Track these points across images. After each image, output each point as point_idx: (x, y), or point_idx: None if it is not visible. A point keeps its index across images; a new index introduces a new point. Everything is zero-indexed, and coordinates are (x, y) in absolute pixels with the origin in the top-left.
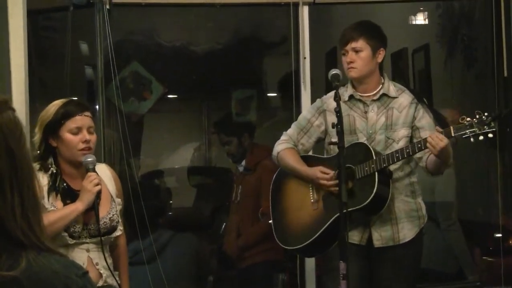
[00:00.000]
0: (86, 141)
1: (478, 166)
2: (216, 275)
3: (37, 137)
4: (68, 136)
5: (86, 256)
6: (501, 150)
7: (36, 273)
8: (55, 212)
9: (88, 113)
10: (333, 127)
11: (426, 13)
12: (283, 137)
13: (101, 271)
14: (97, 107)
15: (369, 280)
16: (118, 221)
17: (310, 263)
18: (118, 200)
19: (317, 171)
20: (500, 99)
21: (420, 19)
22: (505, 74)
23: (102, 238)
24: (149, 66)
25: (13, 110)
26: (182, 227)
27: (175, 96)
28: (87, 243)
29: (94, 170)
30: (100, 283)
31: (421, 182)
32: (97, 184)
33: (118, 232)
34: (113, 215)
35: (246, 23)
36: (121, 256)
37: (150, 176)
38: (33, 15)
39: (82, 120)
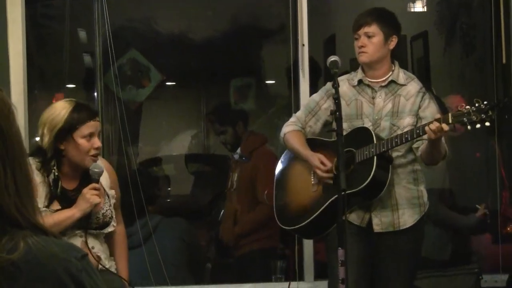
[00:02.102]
0: (98, 148)
1: (476, 153)
2: (214, 263)
3: (47, 141)
4: (81, 141)
5: (80, 240)
6: (500, 137)
7: (35, 257)
8: (50, 216)
9: (98, 119)
10: (331, 113)
11: (424, 0)
12: (291, 119)
13: (99, 254)
14: (95, 94)
15: (369, 265)
16: (112, 216)
17: (308, 250)
18: (112, 192)
19: (316, 160)
20: (499, 86)
21: (419, 6)
22: (504, 61)
23: (95, 231)
24: (148, 53)
25: (0, 90)
26: (180, 215)
27: (173, 83)
28: (81, 232)
29: (98, 182)
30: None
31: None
32: (98, 196)
33: (110, 228)
34: (106, 210)
35: (244, 10)
36: (118, 244)
37: (148, 163)
38: (31, 3)
39: (95, 125)
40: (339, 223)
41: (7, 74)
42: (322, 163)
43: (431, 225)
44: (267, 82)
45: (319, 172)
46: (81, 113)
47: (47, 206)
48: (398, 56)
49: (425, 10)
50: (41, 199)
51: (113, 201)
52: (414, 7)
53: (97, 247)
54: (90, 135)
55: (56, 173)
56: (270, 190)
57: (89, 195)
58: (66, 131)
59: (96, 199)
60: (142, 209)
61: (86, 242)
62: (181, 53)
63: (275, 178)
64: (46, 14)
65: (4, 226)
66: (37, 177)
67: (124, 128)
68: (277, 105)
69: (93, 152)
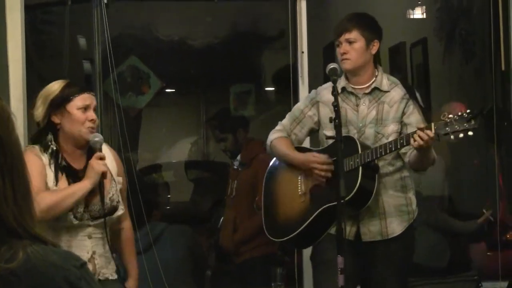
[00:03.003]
0: (93, 120)
1: (475, 160)
2: (214, 270)
3: (40, 111)
4: (76, 112)
5: (90, 245)
6: (499, 144)
7: (34, 266)
8: (63, 190)
9: (93, 94)
10: (330, 121)
11: (424, 7)
12: (277, 127)
13: (96, 261)
14: None
15: (359, 276)
16: (119, 200)
17: (307, 256)
18: (119, 179)
19: (310, 155)
20: (498, 93)
21: (418, 13)
22: (503, 68)
23: (106, 218)
24: (147, 60)
25: (0, 98)
26: (180, 221)
27: (173, 90)
28: (90, 226)
29: (101, 150)
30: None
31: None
32: (104, 165)
33: (119, 212)
34: (112, 194)
35: (244, 17)
36: (127, 242)
37: (148, 170)
38: (31, 10)
39: (90, 98)
40: (338, 231)
41: (6, 80)
42: (315, 156)
43: (429, 232)
44: (266, 88)
45: (315, 165)
46: (75, 86)
47: (59, 185)
48: (397, 63)
49: (425, 17)
50: (50, 180)
51: (119, 186)
52: (413, 14)
53: (98, 252)
54: (85, 108)
55: (55, 147)
56: (258, 200)
57: (95, 163)
58: (59, 101)
59: (102, 167)
60: (142, 216)
61: (107, 234)
62: (180, 60)
63: (263, 190)
64: (45, 21)
65: (2, 236)
66: (43, 158)
67: (123, 135)
68: (274, 111)
69: (88, 124)
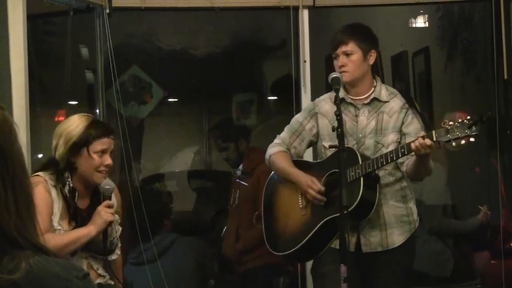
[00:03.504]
0: (108, 165)
1: (476, 168)
2: (217, 279)
3: (62, 152)
4: (93, 155)
5: (86, 262)
6: (501, 152)
7: (37, 277)
8: (68, 234)
9: (112, 137)
10: (333, 130)
11: (426, 16)
12: (276, 141)
13: (103, 274)
14: (97, 111)
15: (360, 287)
16: (117, 245)
17: (310, 265)
18: (116, 217)
19: (308, 179)
20: (500, 102)
21: (420, 22)
22: (505, 77)
23: (99, 257)
24: (149, 70)
25: (2, 108)
26: (183, 231)
27: (175, 99)
28: (86, 254)
29: (111, 198)
30: (101, 281)
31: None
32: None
33: (114, 256)
34: (114, 238)
35: (245, 26)
36: (116, 271)
37: (151, 180)
38: (33, 20)
39: (109, 143)
40: (341, 239)
41: (9, 90)
42: (314, 182)
43: (432, 240)
44: (269, 98)
45: (310, 191)
46: (97, 128)
47: (61, 223)
48: (400, 71)
49: (427, 25)
50: (55, 216)
51: (118, 227)
52: (416, 23)
53: (101, 270)
54: (103, 151)
55: (71, 184)
56: (259, 213)
57: (103, 212)
58: (81, 144)
59: (110, 217)
60: (145, 224)
61: (91, 265)
62: (182, 69)
63: (262, 203)
64: (48, 31)
65: (4, 247)
66: (53, 193)
67: (126, 144)
68: (276, 119)
69: (102, 168)
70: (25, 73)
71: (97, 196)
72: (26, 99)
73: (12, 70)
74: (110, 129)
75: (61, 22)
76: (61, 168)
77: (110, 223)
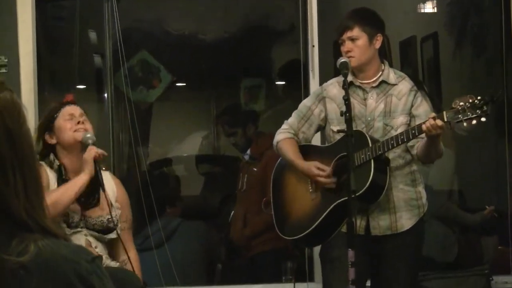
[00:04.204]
0: (80, 122)
1: (486, 155)
2: (225, 264)
3: (36, 137)
4: (63, 123)
5: (84, 239)
6: (510, 138)
7: (45, 260)
8: (61, 186)
9: (77, 105)
10: (341, 114)
11: (435, 1)
12: (284, 126)
13: (100, 253)
14: (105, 95)
15: (369, 270)
16: (116, 224)
17: (318, 250)
18: (117, 205)
19: (312, 167)
20: (509, 87)
21: (429, 7)
22: None
23: (97, 234)
24: (158, 54)
25: (11, 91)
26: (190, 215)
27: (184, 84)
28: (85, 230)
29: (94, 145)
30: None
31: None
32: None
33: (113, 235)
34: (113, 217)
35: (254, 11)
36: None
37: (159, 164)
38: (41, 4)
39: (73, 108)
40: (349, 224)
41: (17, 75)
42: (320, 169)
43: (440, 225)
44: (277, 83)
45: (319, 179)
46: (57, 104)
47: None
48: (408, 57)
49: (436, 11)
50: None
51: (118, 211)
52: (424, 8)
53: (99, 248)
54: (71, 116)
55: (58, 164)
56: (267, 199)
57: (86, 154)
58: (47, 121)
59: (93, 152)
60: (153, 208)
61: (90, 242)
62: (191, 54)
63: (271, 187)
64: (56, 15)
65: (13, 230)
66: (49, 176)
67: (134, 129)
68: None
69: (76, 126)
70: (34, 58)
71: (96, 181)
72: (34, 84)
73: (21, 55)
74: (70, 99)
75: (70, 6)
76: (44, 153)
77: (97, 162)
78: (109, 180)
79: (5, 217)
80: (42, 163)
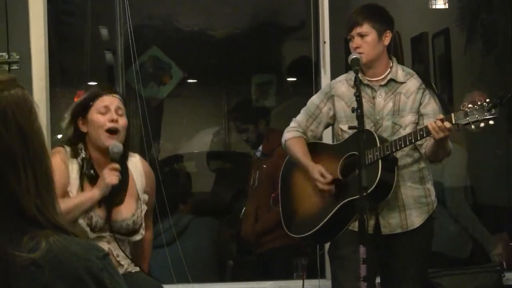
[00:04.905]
0: (114, 121)
1: (497, 151)
2: (236, 260)
3: (66, 120)
4: (96, 116)
5: (107, 247)
6: None
7: (56, 256)
8: (71, 199)
9: (117, 95)
10: (353, 111)
11: None
12: (292, 124)
13: (122, 262)
14: None
15: (378, 268)
16: (141, 224)
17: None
18: (145, 197)
19: (316, 172)
20: None
21: (440, 3)
22: None
23: (121, 237)
24: (169, 51)
25: (22, 87)
26: (202, 212)
27: (195, 81)
28: (108, 236)
29: (118, 160)
30: (121, 271)
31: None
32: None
33: (138, 236)
34: (137, 217)
35: (264, 7)
36: (142, 249)
37: (170, 160)
38: (53, 0)
39: (110, 100)
40: (360, 221)
41: (29, 71)
42: (322, 175)
43: (451, 222)
44: (288, 79)
45: (319, 184)
46: (96, 89)
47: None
48: (419, 53)
49: (447, 7)
50: (72, 187)
51: (144, 207)
52: (435, 4)
53: (121, 257)
54: (106, 109)
55: (84, 155)
56: (275, 196)
57: (107, 174)
58: (81, 108)
59: (114, 180)
60: (164, 205)
61: (111, 251)
62: (202, 50)
63: (279, 184)
64: (67, 11)
65: (25, 226)
66: (70, 164)
67: (145, 125)
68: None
69: (108, 125)
70: (45, 54)
71: (123, 168)
72: (46, 80)
73: (32, 51)
74: (112, 88)
75: (81, 3)
76: (70, 137)
77: (120, 185)
78: (137, 167)
79: (16, 213)
80: (67, 149)
